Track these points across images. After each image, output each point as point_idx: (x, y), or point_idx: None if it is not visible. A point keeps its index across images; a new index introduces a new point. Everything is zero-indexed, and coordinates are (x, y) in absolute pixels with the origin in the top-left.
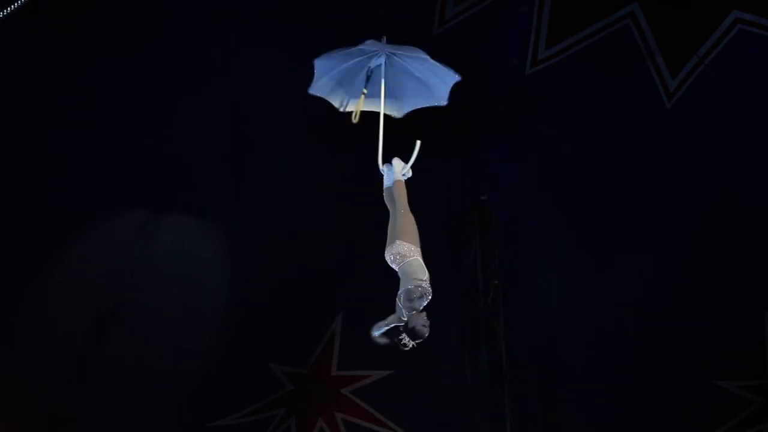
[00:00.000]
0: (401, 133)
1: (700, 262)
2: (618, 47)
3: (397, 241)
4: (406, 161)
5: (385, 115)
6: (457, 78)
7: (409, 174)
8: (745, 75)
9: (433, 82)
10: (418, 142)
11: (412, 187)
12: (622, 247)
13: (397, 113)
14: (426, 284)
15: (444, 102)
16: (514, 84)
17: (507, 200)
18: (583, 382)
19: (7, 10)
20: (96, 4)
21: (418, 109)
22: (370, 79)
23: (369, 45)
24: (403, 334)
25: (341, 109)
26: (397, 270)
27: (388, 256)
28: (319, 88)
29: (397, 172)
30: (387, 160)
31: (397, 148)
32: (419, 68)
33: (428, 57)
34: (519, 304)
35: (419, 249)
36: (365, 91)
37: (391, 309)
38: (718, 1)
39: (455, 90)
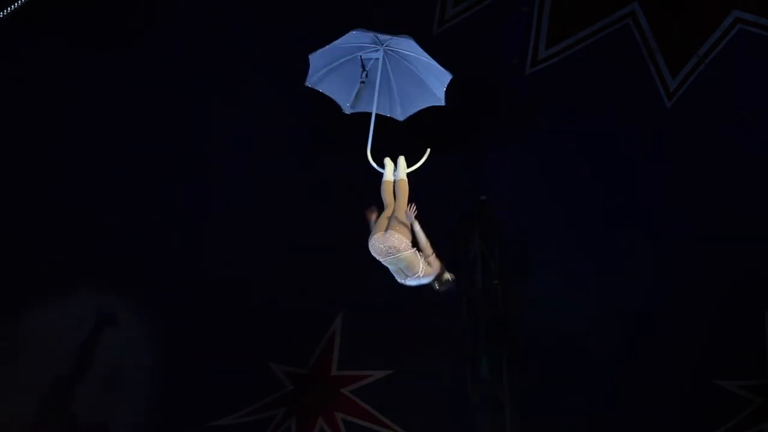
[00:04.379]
0: (401, 133)
1: (701, 262)
2: (618, 47)
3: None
4: (408, 159)
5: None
6: (449, 76)
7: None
8: (745, 75)
9: (431, 81)
10: (429, 151)
11: (413, 186)
12: (622, 246)
13: (399, 116)
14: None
15: (442, 102)
16: (514, 84)
17: (507, 200)
18: (583, 382)
19: (7, 10)
20: (96, 4)
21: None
22: (365, 69)
23: (364, 37)
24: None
25: (346, 109)
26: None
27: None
28: (316, 81)
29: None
30: (381, 158)
31: (397, 147)
32: (416, 66)
33: (423, 53)
34: (519, 303)
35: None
36: (363, 79)
37: (390, 310)
38: (718, 1)
39: (455, 90)
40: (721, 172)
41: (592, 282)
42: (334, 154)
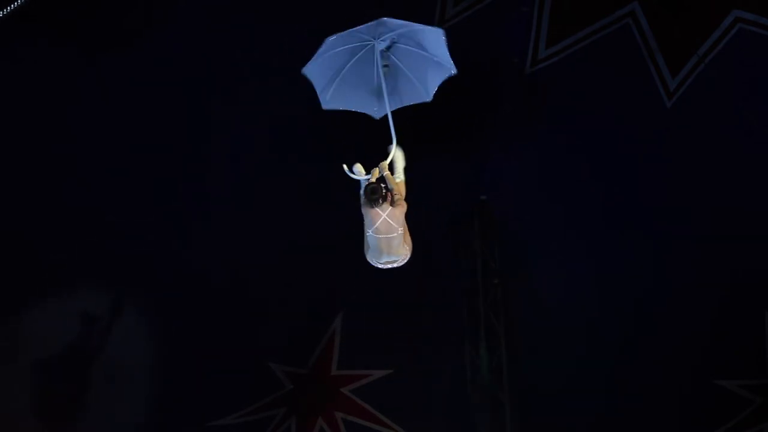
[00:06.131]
0: (402, 133)
1: (700, 262)
2: (618, 46)
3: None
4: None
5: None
6: (440, 32)
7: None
8: (745, 75)
9: (433, 50)
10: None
11: (413, 186)
12: (622, 246)
13: (425, 97)
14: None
15: (453, 69)
16: (515, 83)
17: (507, 200)
18: (583, 382)
19: (6, 9)
20: (96, 4)
21: (418, 107)
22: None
23: (345, 39)
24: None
25: (376, 117)
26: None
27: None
28: (332, 101)
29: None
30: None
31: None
32: (412, 41)
33: (405, 23)
34: (519, 303)
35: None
36: (387, 64)
37: (390, 310)
38: (718, 1)
39: (455, 90)
40: (721, 172)
41: (592, 282)
42: (334, 154)
